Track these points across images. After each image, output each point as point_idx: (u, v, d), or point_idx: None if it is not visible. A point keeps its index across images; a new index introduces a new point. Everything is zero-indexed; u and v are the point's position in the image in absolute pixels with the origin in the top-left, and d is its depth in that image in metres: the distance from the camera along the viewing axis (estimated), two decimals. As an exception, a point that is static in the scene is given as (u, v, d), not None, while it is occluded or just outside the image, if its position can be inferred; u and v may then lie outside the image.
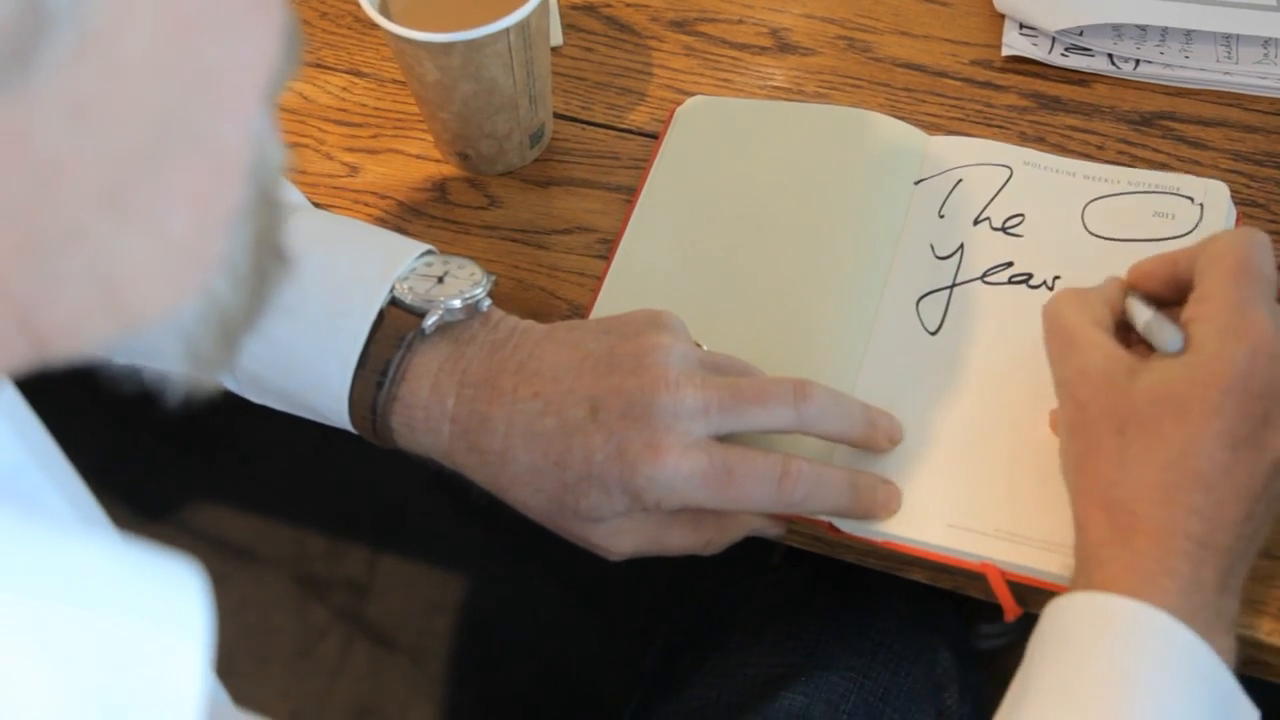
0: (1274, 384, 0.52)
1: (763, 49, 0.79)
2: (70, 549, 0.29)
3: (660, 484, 0.56)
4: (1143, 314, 0.57)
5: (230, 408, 0.68)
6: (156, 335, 0.32)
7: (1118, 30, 0.76)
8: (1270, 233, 0.69)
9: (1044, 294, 0.67)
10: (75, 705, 0.27)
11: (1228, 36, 0.75)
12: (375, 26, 0.67)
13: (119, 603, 0.29)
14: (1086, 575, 0.52)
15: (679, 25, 0.80)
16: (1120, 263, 0.68)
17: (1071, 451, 0.55)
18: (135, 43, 0.27)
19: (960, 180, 0.71)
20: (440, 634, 1.34)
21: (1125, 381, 0.54)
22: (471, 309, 0.60)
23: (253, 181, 0.32)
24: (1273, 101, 0.74)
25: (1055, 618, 0.52)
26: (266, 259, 0.34)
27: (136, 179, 0.28)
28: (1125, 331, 0.59)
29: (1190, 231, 0.68)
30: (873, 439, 0.62)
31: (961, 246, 0.69)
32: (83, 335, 0.29)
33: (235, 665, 1.33)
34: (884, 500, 0.61)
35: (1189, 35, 0.75)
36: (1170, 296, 0.58)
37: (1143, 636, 0.49)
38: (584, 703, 1.27)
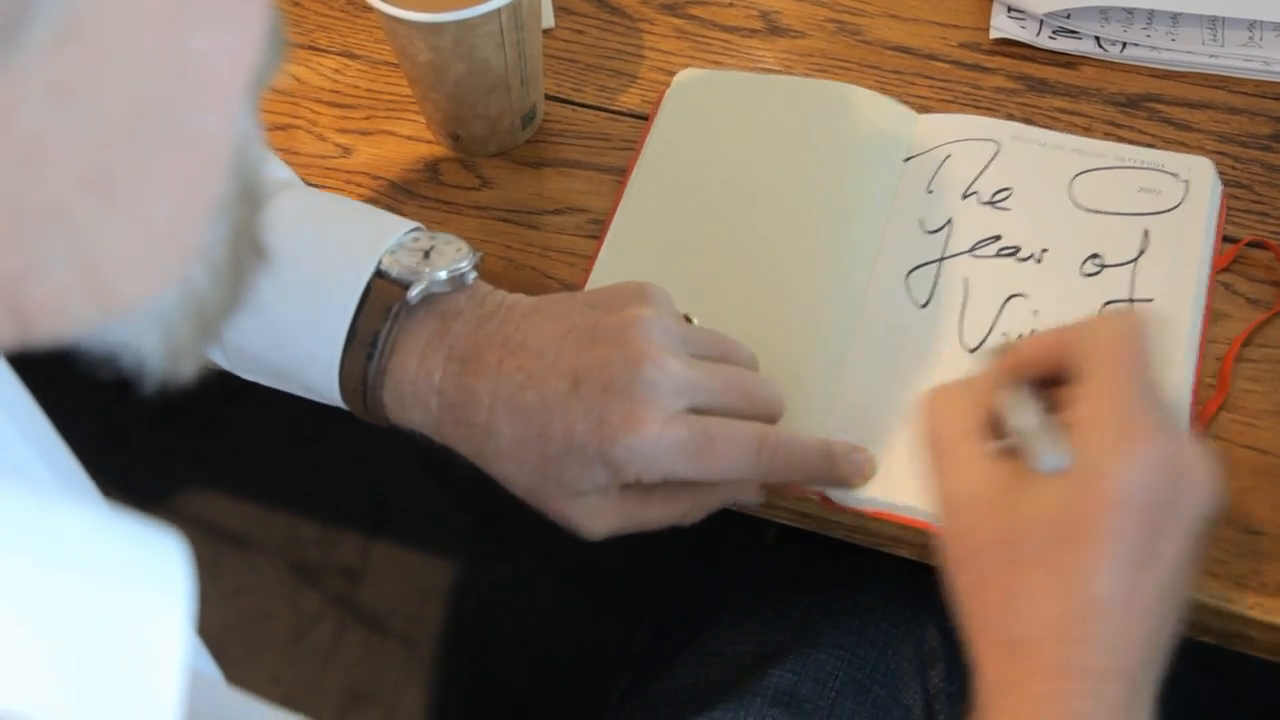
0: (1164, 492, 0.48)
1: (753, 31, 0.79)
2: (51, 513, 0.29)
3: (640, 456, 0.56)
4: (1026, 421, 0.51)
5: (223, 393, 0.69)
6: (135, 322, 0.32)
7: (1105, 13, 0.76)
8: (1255, 213, 0.70)
9: (1032, 266, 0.68)
10: (56, 663, 0.27)
11: (1214, 19, 0.76)
12: (368, 8, 0.68)
13: (100, 565, 0.29)
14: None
15: (670, 8, 0.81)
16: (1106, 236, 0.69)
17: (960, 581, 0.51)
18: (121, 28, 0.27)
19: (949, 156, 0.72)
20: (432, 619, 1.34)
21: (1009, 506, 0.49)
22: (457, 281, 0.61)
23: (234, 174, 0.32)
24: (1258, 84, 0.75)
25: None
26: (245, 252, 0.34)
27: (118, 163, 0.28)
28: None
29: (1175, 207, 0.69)
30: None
31: (950, 220, 0.70)
32: (64, 316, 0.30)
33: (228, 650, 1.33)
34: (858, 467, 0.61)
35: (1175, 18, 0.76)
36: (1055, 378, 0.53)
37: None
38: (575, 685, 1.28)
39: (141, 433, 1.44)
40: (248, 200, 0.34)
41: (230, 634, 1.34)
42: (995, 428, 0.52)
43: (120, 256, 0.30)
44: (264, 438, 1.43)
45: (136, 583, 0.29)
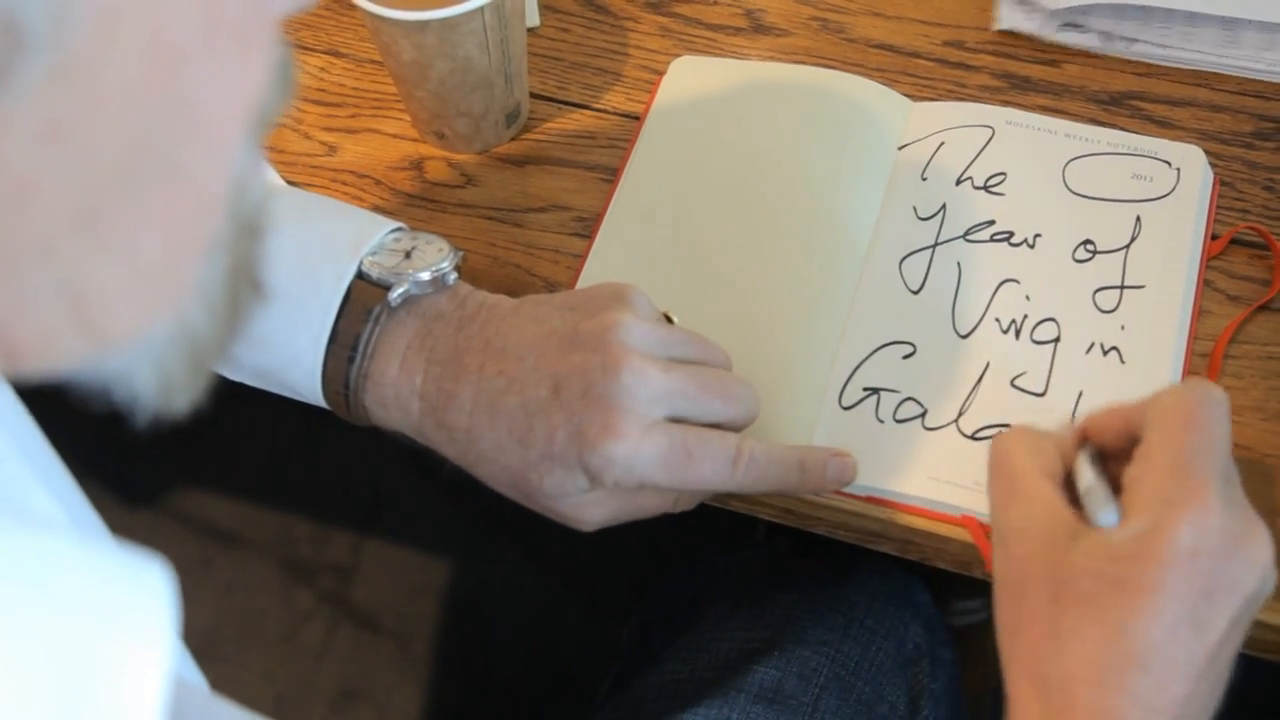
0: (1218, 557, 0.47)
1: (738, 30, 0.79)
2: (33, 542, 0.29)
3: (618, 464, 0.57)
4: (1085, 477, 0.52)
5: (215, 392, 0.69)
6: (127, 358, 0.32)
7: (1118, 10, 0.76)
8: (1235, 210, 0.70)
9: (1025, 251, 0.69)
10: (31, 694, 0.27)
11: (1194, 14, 0.75)
12: (353, 6, 0.68)
13: (81, 597, 0.29)
14: None
15: (655, 6, 0.81)
16: (1099, 222, 0.69)
17: (1004, 612, 0.51)
18: (115, 68, 0.27)
19: (943, 143, 0.73)
20: (424, 617, 1.34)
21: (1066, 545, 0.49)
22: (438, 282, 0.61)
23: (231, 213, 0.32)
24: (1240, 81, 0.75)
25: None
26: (242, 289, 0.34)
27: (109, 203, 0.28)
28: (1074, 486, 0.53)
29: (1167, 194, 0.70)
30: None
31: (944, 206, 0.71)
32: (53, 352, 0.30)
33: (220, 649, 1.33)
34: (835, 475, 0.61)
35: (1169, 14, 0.75)
36: (1125, 449, 0.53)
37: None
38: (566, 682, 1.28)
39: (131, 432, 1.44)
40: (246, 236, 0.34)
41: (222, 632, 1.34)
42: (1068, 486, 0.52)
43: (110, 293, 0.30)
44: (256, 436, 1.43)
45: (118, 615, 0.29)
